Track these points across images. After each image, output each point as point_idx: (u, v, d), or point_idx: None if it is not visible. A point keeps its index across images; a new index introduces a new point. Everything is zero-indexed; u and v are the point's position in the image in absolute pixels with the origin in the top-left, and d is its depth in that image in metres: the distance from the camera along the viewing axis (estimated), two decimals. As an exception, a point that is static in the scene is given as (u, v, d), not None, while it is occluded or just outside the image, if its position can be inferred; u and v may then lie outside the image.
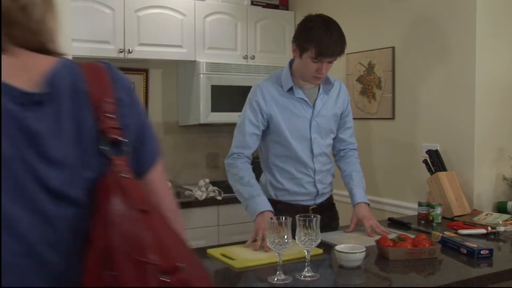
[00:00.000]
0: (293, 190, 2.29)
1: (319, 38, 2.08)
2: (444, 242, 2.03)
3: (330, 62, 2.15)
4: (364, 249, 1.78)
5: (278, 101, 2.24)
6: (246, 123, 2.22)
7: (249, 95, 2.29)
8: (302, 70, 2.20)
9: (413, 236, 1.97)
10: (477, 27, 2.69)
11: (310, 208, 2.30)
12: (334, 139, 2.41)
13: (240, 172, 2.18)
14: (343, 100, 2.37)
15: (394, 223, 2.51)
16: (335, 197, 2.50)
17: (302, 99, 2.25)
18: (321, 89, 2.30)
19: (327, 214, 2.36)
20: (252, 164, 2.30)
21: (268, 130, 2.27)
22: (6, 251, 0.77)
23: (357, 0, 3.37)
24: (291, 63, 2.30)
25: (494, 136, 2.79)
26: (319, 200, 2.36)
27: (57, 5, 0.97)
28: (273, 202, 2.33)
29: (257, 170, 3.69)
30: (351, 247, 1.79)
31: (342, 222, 2.52)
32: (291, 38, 3.99)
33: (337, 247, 1.79)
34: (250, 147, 2.25)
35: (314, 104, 2.27)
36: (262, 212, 2.04)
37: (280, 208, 2.22)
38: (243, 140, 2.23)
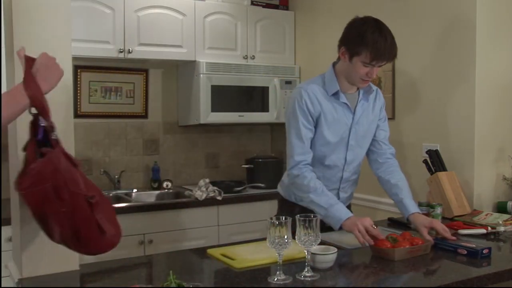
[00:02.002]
0: None
1: (374, 42, 2.02)
2: (436, 244, 2.01)
3: (380, 66, 2.11)
4: (336, 250, 1.77)
5: (322, 105, 2.17)
6: (301, 127, 2.15)
7: (295, 98, 2.18)
8: (350, 73, 2.14)
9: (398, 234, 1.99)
10: (477, 27, 2.69)
11: None
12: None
13: (310, 183, 2.12)
14: (378, 106, 2.33)
15: (394, 223, 2.51)
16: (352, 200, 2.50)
17: (345, 104, 2.20)
18: (361, 95, 2.25)
19: None
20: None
21: None
22: None
23: (357, 0, 3.37)
24: (334, 65, 2.23)
25: (494, 136, 2.79)
26: None
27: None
28: (291, 204, 2.31)
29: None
30: (323, 249, 1.78)
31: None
32: (291, 38, 4.05)
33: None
34: (310, 152, 2.18)
35: (354, 111, 2.23)
36: (348, 218, 2.02)
37: (297, 212, 2.08)
38: (303, 146, 2.15)
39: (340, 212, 2.06)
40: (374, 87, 2.31)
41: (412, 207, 2.21)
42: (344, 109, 2.21)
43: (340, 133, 2.21)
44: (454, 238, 2.07)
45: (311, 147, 2.21)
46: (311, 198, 2.11)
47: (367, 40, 2.03)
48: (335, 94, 2.19)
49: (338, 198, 2.30)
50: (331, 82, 2.19)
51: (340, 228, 2.06)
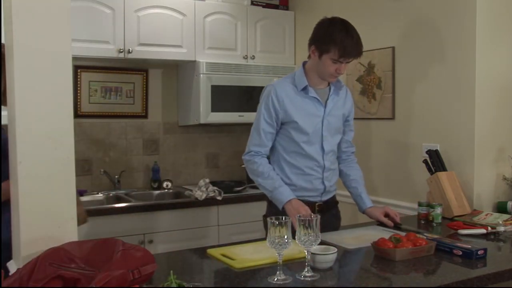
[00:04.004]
0: (302, 185, 2.34)
1: (341, 40, 2.18)
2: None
3: (348, 62, 2.27)
4: (336, 250, 1.77)
5: (292, 100, 2.31)
6: (262, 122, 2.32)
7: (264, 94, 2.36)
8: (320, 70, 2.29)
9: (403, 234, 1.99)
10: (477, 27, 2.69)
11: (316, 204, 2.37)
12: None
13: (259, 168, 2.31)
14: (349, 104, 2.49)
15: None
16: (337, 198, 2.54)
17: (315, 98, 2.34)
18: (332, 90, 2.39)
19: (331, 212, 2.46)
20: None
21: (282, 127, 2.34)
22: None
23: (357, 0, 3.37)
24: (304, 64, 2.39)
25: (494, 136, 2.79)
26: (325, 197, 2.42)
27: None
28: None
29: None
30: (323, 249, 1.78)
31: (342, 221, 2.55)
32: (291, 38, 4.05)
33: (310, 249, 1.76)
34: (266, 145, 2.35)
35: (325, 104, 2.36)
36: (289, 201, 2.22)
37: (284, 210, 2.24)
38: (259, 139, 2.34)
39: (282, 195, 2.24)
40: (343, 84, 2.47)
41: (369, 202, 2.49)
42: (315, 103, 2.34)
43: (313, 125, 2.33)
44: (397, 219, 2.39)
45: (291, 142, 2.33)
46: (259, 182, 2.33)
47: (335, 39, 2.19)
48: (304, 89, 2.33)
49: (324, 187, 2.39)
50: (300, 79, 2.34)
51: (283, 209, 2.22)
